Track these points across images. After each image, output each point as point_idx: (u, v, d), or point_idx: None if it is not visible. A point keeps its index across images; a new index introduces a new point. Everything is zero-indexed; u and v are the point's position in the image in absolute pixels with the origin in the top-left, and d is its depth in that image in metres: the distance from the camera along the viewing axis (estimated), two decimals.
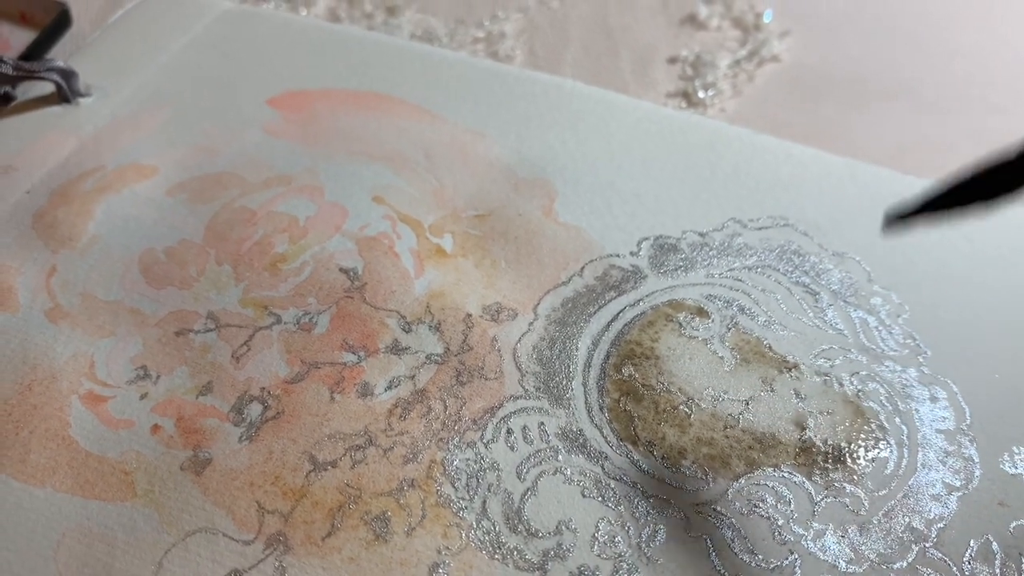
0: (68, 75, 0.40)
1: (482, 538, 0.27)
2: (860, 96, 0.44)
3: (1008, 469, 0.29)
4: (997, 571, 0.27)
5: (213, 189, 0.37)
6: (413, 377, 0.31)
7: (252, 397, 0.30)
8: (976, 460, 0.29)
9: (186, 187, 0.37)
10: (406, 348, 0.32)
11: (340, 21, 0.49)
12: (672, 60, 0.46)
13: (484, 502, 0.28)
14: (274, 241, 0.35)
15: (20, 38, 0.44)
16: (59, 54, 0.43)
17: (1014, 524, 0.27)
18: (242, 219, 0.35)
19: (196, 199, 0.36)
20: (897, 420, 0.30)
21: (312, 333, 0.32)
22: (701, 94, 0.44)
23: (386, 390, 0.30)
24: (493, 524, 0.27)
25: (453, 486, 0.28)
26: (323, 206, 0.36)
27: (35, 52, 0.43)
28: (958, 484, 0.28)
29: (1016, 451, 0.29)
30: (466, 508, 0.28)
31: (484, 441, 0.29)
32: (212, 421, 0.30)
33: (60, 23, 0.44)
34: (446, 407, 0.30)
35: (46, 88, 0.40)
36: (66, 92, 0.40)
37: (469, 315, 0.32)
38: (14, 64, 0.40)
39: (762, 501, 0.28)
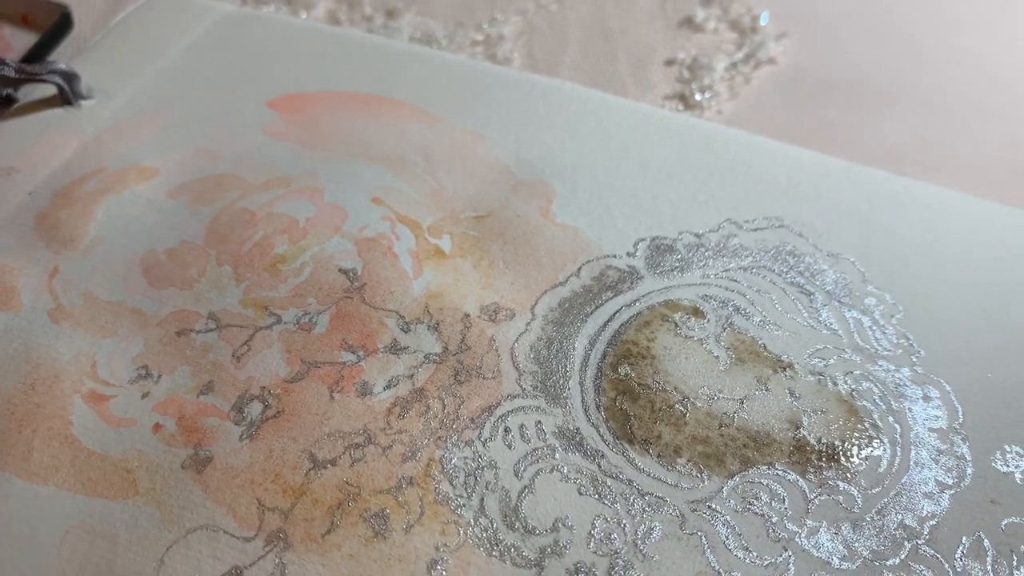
0: (70, 77, 0.40)
1: (480, 535, 0.27)
2: (857, 98, 0.44)
3: (1000, 467, 0.29)
4: (989, 568, 0.27)
5: (214, 191, 0.37)
6: (412, 376, 0.31)
7: (252, 396, 0.31)
8: (968, 458, 0.29)
9: (187, 189, 0.37)
10: (405, 348, 0.32)
11: (340, 24, 0.49)
12: (669, 63, 0.46)
13: (482, 500, 0.28)
14: (274, 242, 0.35)
15: (22, 40, 0.44)
16: (61, 56, 0.44)
17: (1005, 522, 0.28)
18: (242, 220, 0.36)
19: (197, 201, 0.37)
20: (890, 419, 0.30)
21: (312, 333, 0.32)
22: (698, 96, 0.44)
23: (385, 389, 0.31)
24: (491, 521, 0.28)
25: (451, 484, 0.28)
26: (323, 207, 0.36)
27: (37, 54, 0.43)
28: (950, 482, 0.29)
29: (1008, 450, 0.29)
30: (464, 506, 0.28)
31: (482, 440, 0.29)
32: (213, 420, 0.30)
33: (62, 26, 0.45)
34: (444, 406, 0.30)
35: (48, 90, 0.41)
36: (68, 94, 0.40)
37: (467, 315, 0.33)
38: (16, 66, 0.40)
39: (756, 499, 0.28)
